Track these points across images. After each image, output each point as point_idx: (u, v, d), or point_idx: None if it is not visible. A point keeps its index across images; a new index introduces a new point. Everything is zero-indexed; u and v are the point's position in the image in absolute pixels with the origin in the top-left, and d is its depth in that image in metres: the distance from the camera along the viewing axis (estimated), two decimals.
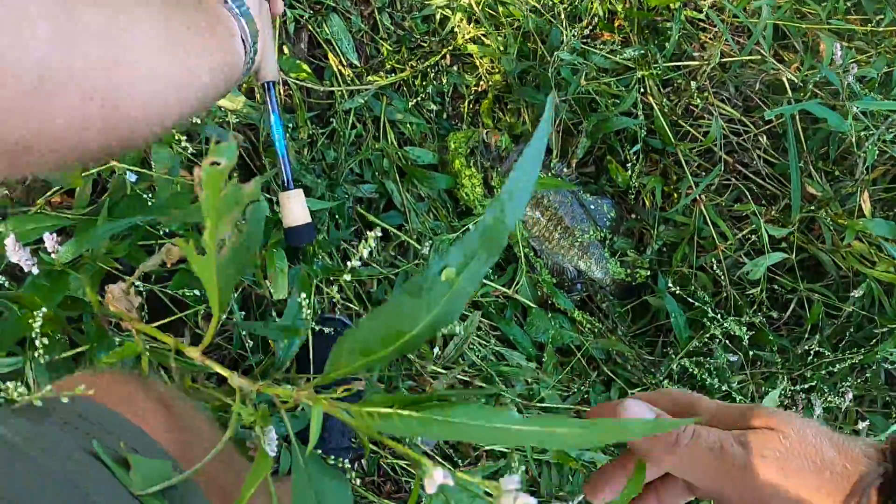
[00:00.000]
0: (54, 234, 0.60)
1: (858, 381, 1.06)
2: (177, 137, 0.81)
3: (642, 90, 1.18)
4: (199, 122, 0.92)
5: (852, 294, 1.07)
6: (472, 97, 1.24)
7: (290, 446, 0.95)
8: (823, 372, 1.05)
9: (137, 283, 0.82)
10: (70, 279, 0.61)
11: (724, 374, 1.04)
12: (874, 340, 1.05)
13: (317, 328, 1.02)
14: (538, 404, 1.05)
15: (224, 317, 0.85)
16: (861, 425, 0.98)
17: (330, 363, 0.39)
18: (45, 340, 0.55)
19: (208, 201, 0.37)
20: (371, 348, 0.38)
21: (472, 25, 1.22)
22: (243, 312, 0.92)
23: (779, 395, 0.99)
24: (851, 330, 1.09)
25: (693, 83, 1.19)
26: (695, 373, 1.08)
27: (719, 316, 1.06)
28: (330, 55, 1.16)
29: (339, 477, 0.46)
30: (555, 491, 1.03)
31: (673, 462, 0.38)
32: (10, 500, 0.32)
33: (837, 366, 1.04)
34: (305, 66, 1.10)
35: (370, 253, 1.09)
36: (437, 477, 0.32)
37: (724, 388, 1.04)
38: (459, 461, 0.99)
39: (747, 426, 0.37)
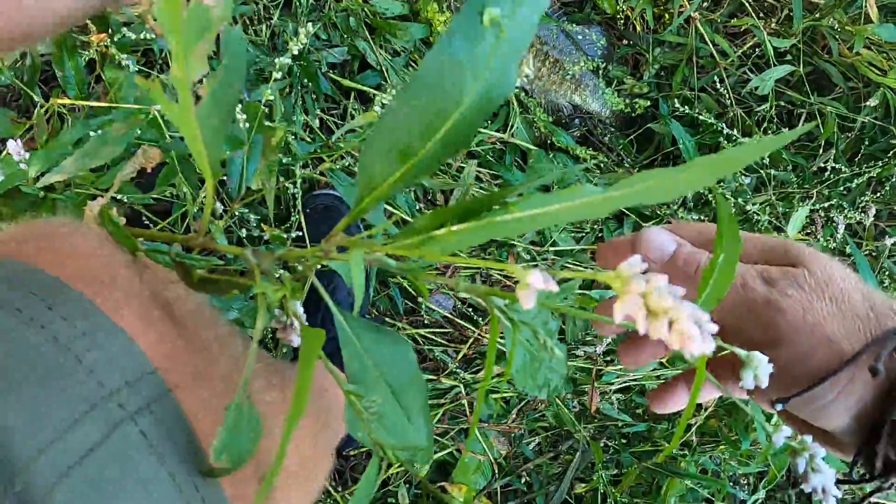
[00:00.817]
0: (19, 140, 0.51)
1: (877, 195, 1.03)
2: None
3: None
4: None
5: (865, 105, 1.02)
6: None
7: (325, 316, 0.84)
8: (841, 188, 1.02)
9: (119, 196, 0.70)
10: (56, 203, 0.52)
11: (743, 194, 1.00)
12: (890, 153, 1.01)
13: (307, 210, 0.92)
14: (551, 248, 0.99)
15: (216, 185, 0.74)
16: (888, 241, 0.96)
17: (361, 177, 0.30)
18: None
19: (169, 24, 0.27)
20: (409, 144, 0.29)
21: None
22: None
23: (805, 215, 0.94)
24: (866, 143, 1.05)
25: None
26: (710, 198, 1.03)
27: (732, 132, 1.00)
28: None
29: (399, 340, 0.38)
30: (581, 336, 0.99)
31: (693, 296, 0.34)
32: None
33: (855, 181, 1.01)
34: None
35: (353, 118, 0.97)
36: (534, 281, 0.23)
37: (744, 210, 0.99)
38: (480, 320, 0.94)
39: (774, 262, 0.36)
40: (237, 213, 0.88)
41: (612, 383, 0.99)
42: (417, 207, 0.94)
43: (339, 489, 0.91)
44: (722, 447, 1.13)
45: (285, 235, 0.89)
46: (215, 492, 0.30)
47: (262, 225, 0.88)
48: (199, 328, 0.35)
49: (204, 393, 0.31)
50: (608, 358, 0.98)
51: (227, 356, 0.37)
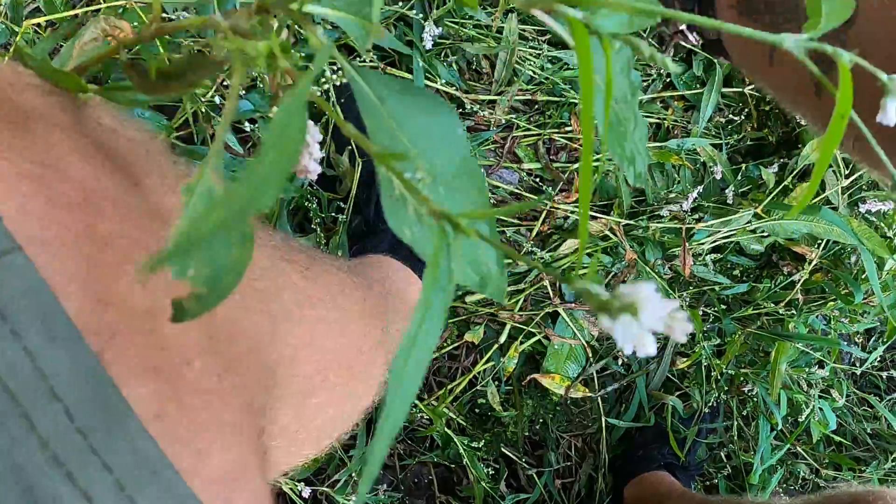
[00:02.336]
0: None
1: None
2: None
3: None
4: None
5: None
6: None
7: (377, 212, 0.73)
8: None
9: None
10: None
11: None
12: None
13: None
14: None
15: None
16: None
17: None
18: None
19: None
20: None
21: None
22: None
23: None
24: None
25: None
26: None
27: None
28: None
29: (440, 106, 0.27)
30: (664, 195, 0.88)
31: None
32: None
33: None
34: None
35: None
36: None
37: None
38: (552, 190, 0.84)
39: None
40: None
41: (704, 243, 0.89)
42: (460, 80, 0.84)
43: (425, 395, 0.85)
44: (831, 303, 1.02)
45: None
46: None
47: None
48: (141, 173, 0.28)
49: (109, 255, 0.24)
50: (697, 215, 0.87)
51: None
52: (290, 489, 0.75)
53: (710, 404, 0.92)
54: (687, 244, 0.85)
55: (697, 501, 0.81)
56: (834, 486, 1.05)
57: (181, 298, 0.21)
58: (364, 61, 0.83)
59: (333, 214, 0.81)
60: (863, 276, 1.01)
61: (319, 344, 0.40)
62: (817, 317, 1.04)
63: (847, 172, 0.97)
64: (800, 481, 1.07)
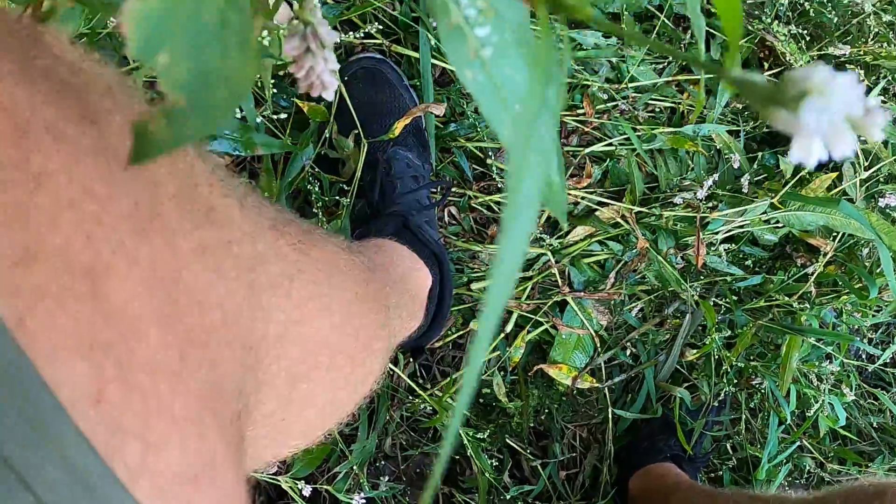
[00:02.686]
0: None
1: None
2: None
3: None
4: None
5: None
6: None
7: (384, 195, 0.70)
8: None
9: None
10: None
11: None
12: None
13: (345, 78, 0.80)
14: (630, 84, 0.85)
15: None
16: None
17: None
18: None
19: None
20: None
21: None
22: None
23: None
24: None
25: None
26: (807, 8, 0.87)
27: None
28: None
29: None
30: (678, 182, 0.86)
31: None
32: None
33: None
34: None
35: None
36: None
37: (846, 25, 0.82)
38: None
39: None
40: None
41: (718, 232, 0.86)
42: None
43: (428, 385, 0.83)
44: (844, 297, 1.00)
45: (325, 109, 0.77)
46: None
47: (294, 101, 0.77)
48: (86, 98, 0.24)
49: (42, 197, 0.20)
50: (711, 203, 0.85)
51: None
52: (291, 488, 0.73)
53: (719, 397, 0.91)
54: (701, 234, 0.82)
55: (706, 494, 0.79)
56: (847, 478, 1.03)
57: (145, 119, 0.14)
58: (369, 36, 0.80)
59: (336, 198, 0.78)
60: (878, 271, 0.99)
61: (311, 323, 0.36)
62: (829, 310, 1.02)
63: (867, 164, 0.94)
64: (805, 475, 1.06)
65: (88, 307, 0.20)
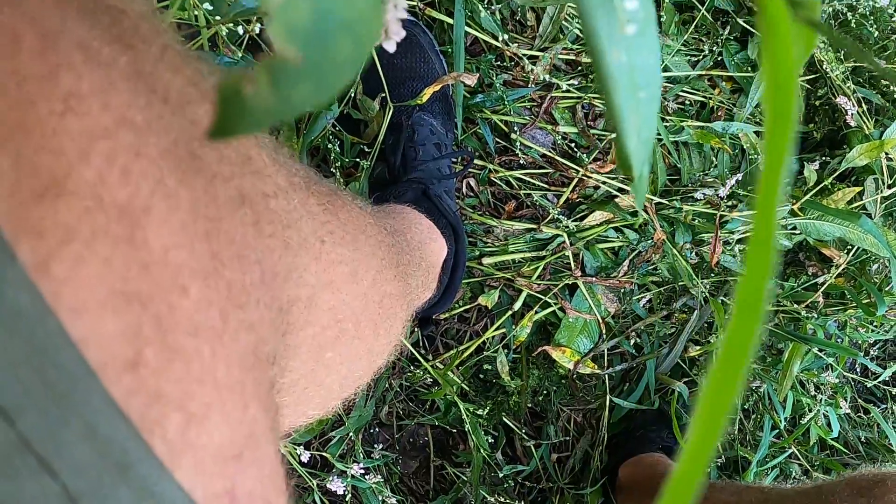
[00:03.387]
0: None
1: None
2: None
3: None
4: None
5: None
6: None
7: (405, 161, 0.68)
8: None
9: None
10: None
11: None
12: None
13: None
14: (663, 74, 0.83)
15: None
16: None
17: None
18: None
19: None
20: None
21: None
22: None
23: None
24: None
25: None
26: (849, 18, 0.85)
27: None
28: None
29: None
30: (700, 177, 0.85)
31: None
32: None
33: None
34: None
35: None
36: None
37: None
38: (585, 157, 0.80)
39: None
40: None
41: (735, 232, 0.86)
42: (504, 30, 0.79)
43: (430, 357, 0.83)
44: (850, 310, 0.99)
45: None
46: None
47: None
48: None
49: (71, 120, 0.17)
50: (731, 202, 0.84)
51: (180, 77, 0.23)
52: (290, 452, 0.72)
53: None
54: (719, 232, 0.81)
55: None
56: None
57: (235, 81, 0.11)
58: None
59: (356, 159, 0.77)
60: (887, 289, 0.99)
61: (339, 289, 0.35)
62: (832, 322, 1.01)
63: (890, 182, 0.93)
64: (790, 481, 1.07)
65: (124, 253, 0.17)
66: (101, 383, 0.16)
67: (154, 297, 0.17)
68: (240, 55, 0.58)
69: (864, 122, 0.94)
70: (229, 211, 0.22)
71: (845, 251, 0.95)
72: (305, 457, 0.72)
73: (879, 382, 1.10)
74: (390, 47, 0.31)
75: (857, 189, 0.92)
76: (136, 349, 0.17)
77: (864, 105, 0.95)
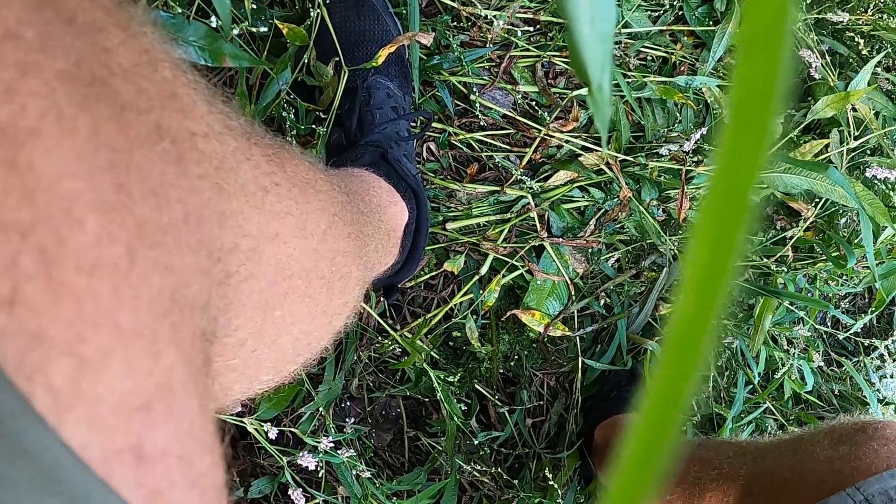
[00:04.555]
0: None
1: None
2: None
3: None
4: None
5: None
6: None
7: (361, 124, 0.67)
8: None
9: None
10: None
11: None
12: None
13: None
14: (623, 30, 0.82)
15: None
16: None
17: None
18: None
19: None
20: None
21: None
22: None
23: None
24: None
25: None
26: None
27: None
28: None
29: None
30: (664, 133, 0.84)
31: None
32: None
33: None
34: None
35: None
36: None
37: None
38: (547, 116, 0.79)
39: None
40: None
41: (701, 187, 0.85)
42: None
43: (398, 327, 0.81)
44: (820, 264, 1.00)
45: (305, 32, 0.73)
46: None
47: (274, 23, 0.73)
48: None
49: None
50: (697, 157, 0.83)
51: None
52: (256, 429, 0.71)
53: None
54: (685, 187, 0.81)
55: None
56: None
57: None
58: None
59: (312, 126, 0.75)
60: (856, 241, 0.99)
61: (286, 242, 0.33)
62: (802, 275, 1.02)
63: (856, 134, 0.93)
64: (766, 436, 1.07)
65: (1, 176, 0.15)
66: None
67: (38, 227, 0.16)
68: (179, 10, 0.56)
69: (829, 74, 0.94)
70: (144, 144, 0.20)
71: (813, 204, 0.95)
72: (273, 433, 0.70)
73: (851, 334, 1.11)
74: None
75: (826, 141, 0.92)
76: (11, 285, 0.15)
77: (827, 57, 0.94)
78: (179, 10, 0.56)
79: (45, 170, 0.16)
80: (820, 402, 1.10)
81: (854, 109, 0.95)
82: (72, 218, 0.17)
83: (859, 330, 1.14)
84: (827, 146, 0.94)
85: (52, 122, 0.17)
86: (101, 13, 0.21)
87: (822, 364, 1.06)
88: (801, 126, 0.92)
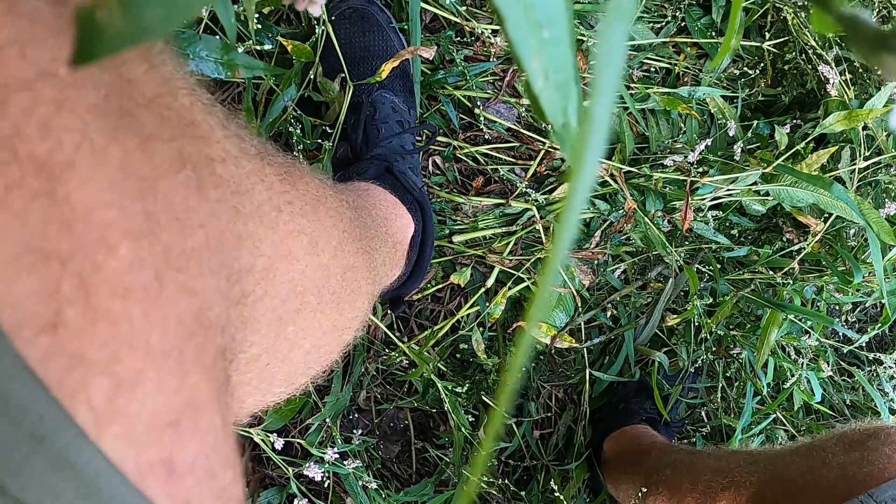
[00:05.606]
0: None
1: None
2: None
3: None
4: None
5: None
6: None
7: (367, 137, 0.67)
8: None
9: None
10: None
11: None
12: None
13: (332, 18, 0.77)
14: (628, 42, 0.83)
15: None
16: None
17: None
18: None
19: None
20: None
21: None
22: None
23: None
24: None
25: None
26: None
27: None
28: None
29: None
30: (668, 144, 0.84)
31: None
32: None
33: None
34: None
35: None
36: None
37: None
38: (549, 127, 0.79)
39: None
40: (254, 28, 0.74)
41: (706, 198, 0.85)
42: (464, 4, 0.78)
43: (405, 339, 0.82)
44: (826, 277, 0.99)
45: (311, 49, 0.75)
46: None
47: (279, 40, 0.74)
48: None
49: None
50: (702, 168, 0.83)
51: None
52: (263, 440, 0.71)
53: (696, 364, 0.90)
54: (690, 198, 0.81)
55: (685, 452, 0.78)
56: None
57: (91, 6, 0.12)
58: None
59: (318, 141, 0.76)
60: (863, 257, 0.98)
61: (298, 260, 0.34)
62: (810, 286, 1.01)
63: (867, 154, 0.92)
64: (777, 446, 1.07)
65: (42, 209, 0.16)
66: (14, 346, 0.15)
67: (76, 255, 0.17)
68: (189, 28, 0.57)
69: (846, 91, 0.93)
70: (168, 172, 0.21)
71: (821, 218, 0.94)
72: (279, 444, 0.71)
73: (856, 347, 1.10)
74: (315, 11, 0.30)
75: (830, 150, 0.91)
76: (54, 309, 0.16)
77: (847, 75, 0.94)
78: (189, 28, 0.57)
79: (80, 201, 0.17)
80: (832, 413, 1.10)
81: (866, 127, 0.94)
82: (106, 245, 0.17)
83: (871, 339, 1.13)
84: (832, 157, 0.94)
85: (86, 155, 0.18)
86: None
87: (832, 374, 1.05)
88: (809, 139, 0.91)
